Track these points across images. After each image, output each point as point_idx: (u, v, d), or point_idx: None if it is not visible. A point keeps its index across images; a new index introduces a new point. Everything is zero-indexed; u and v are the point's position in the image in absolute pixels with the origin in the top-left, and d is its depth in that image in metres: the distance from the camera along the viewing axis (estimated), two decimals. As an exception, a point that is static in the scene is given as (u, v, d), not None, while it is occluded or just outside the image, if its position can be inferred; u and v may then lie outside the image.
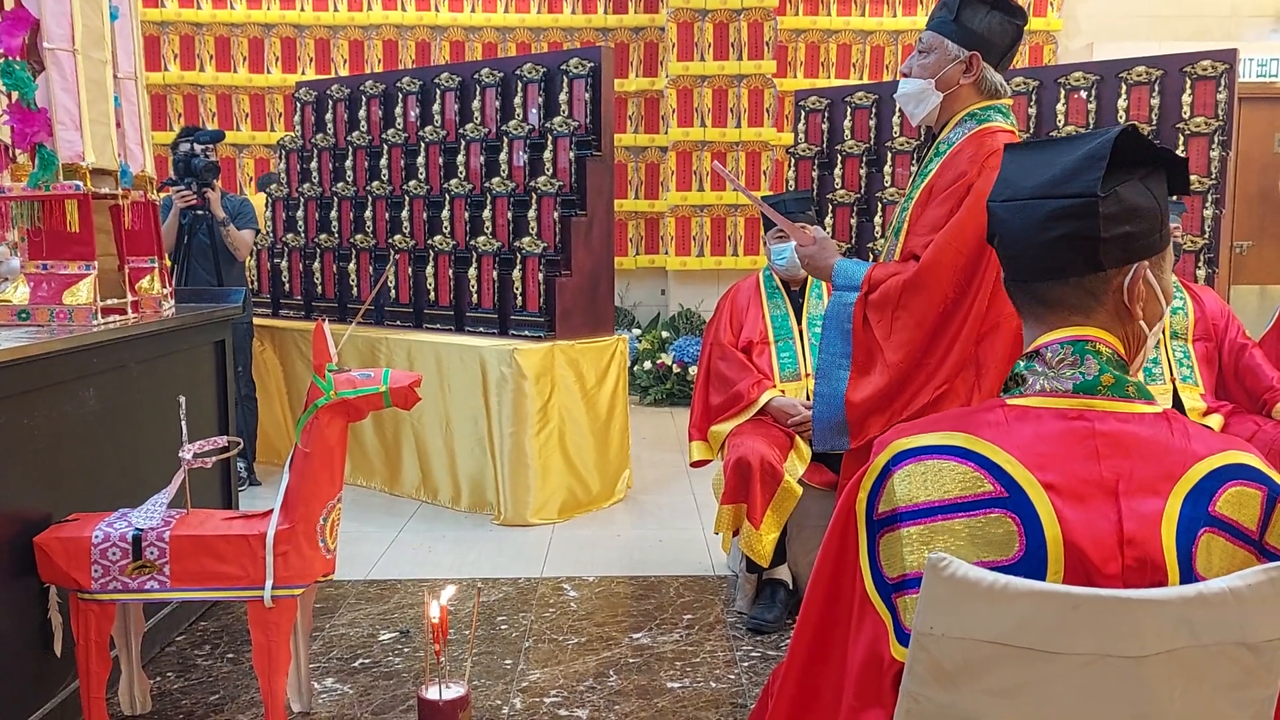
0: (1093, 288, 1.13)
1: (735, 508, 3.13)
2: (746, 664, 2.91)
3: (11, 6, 2.57)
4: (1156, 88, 4.09)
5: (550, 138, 4.51)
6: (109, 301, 2.82)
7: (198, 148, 4.70)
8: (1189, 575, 1.04)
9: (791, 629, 3.11)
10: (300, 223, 5.38)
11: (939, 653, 1.04)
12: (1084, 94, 4.23)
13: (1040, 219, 1.11)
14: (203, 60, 7.69)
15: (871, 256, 4.70)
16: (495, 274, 4.51)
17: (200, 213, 4.67)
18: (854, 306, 2.17)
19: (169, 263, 4.66)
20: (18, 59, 2.59)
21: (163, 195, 4.63)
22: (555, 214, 4.41)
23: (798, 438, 3.25)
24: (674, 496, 4.68)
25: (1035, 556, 1.04)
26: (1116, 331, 1.15)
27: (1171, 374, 3.30)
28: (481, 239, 4.56)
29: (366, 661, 2.91)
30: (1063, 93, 4.28)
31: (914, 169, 2.28)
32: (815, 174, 5.03)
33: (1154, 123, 4.07)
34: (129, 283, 3.00)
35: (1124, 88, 4.15)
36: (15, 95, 2.61)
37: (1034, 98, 4.38)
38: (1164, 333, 3.34)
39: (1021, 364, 1.17)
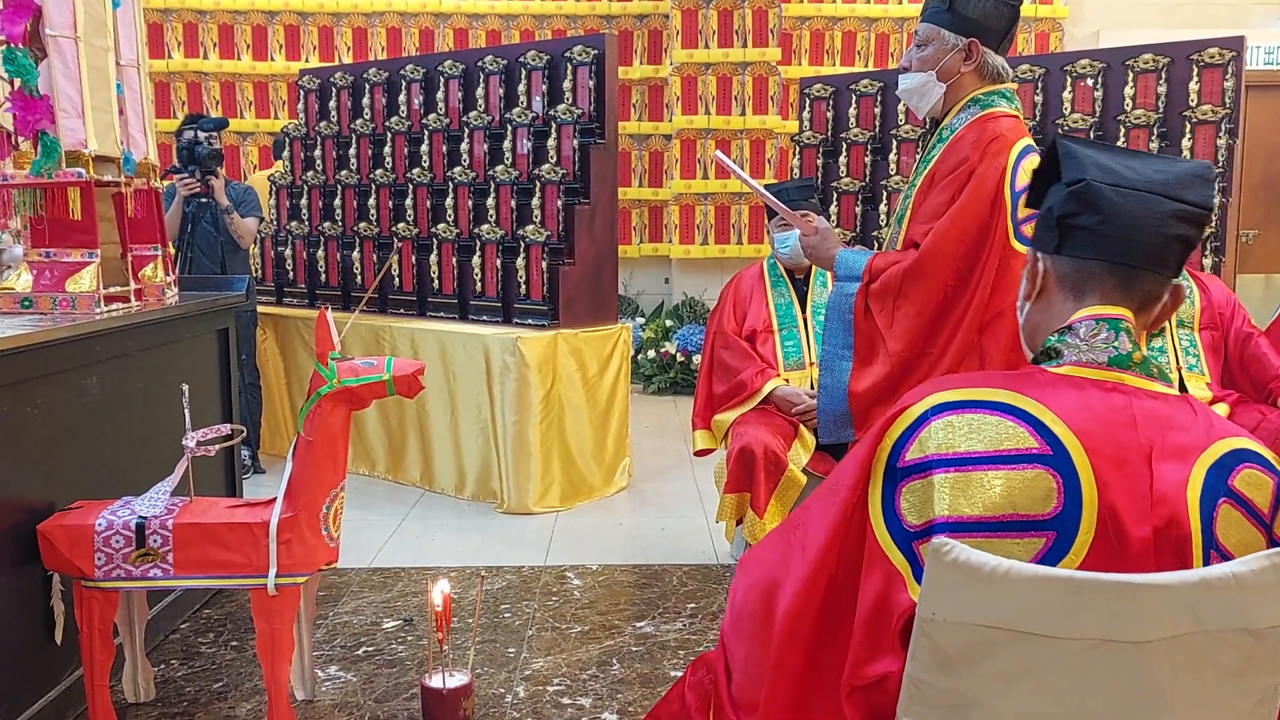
0: (1165, 286, 1.21)
1: (738, 497, 3.13)
2: (749, 652, 2.91)
3: (13, -7, 2.56)
4: (1163, 75, 4.06)
5: (554, 125, 4.49)
6: (112, 289, 2.81)
7: (201, 135, 4.69)
8: (1210, 540, 1.07)
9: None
10: (304, 210, 5.37)
11: (941, 638, 1.04)
12: (1090, 81, 4.21)
13: (1165, 214, 1.16)
14: (206, 47, 7.67)
15: (876, 245, 4.68)
16: (499, 262, 4.50)
17: (204, 200, 4.67)
18: (855, 296, 2.17)
19: (172, 250, 4.67)
20: (20, 46, 2.58)
21: (166, 183, 4.63)
22: (559, 202, 4.40)
23: (802, 427, 3.25)
24: (677, 485, 4.68)
25: (1071, 516, 1.07)
26: (1140, 321, 1.22)
27: (1177, 362, 3.29)
28: (485, 227, 4.55)
29: (370, 649, 2.91)
30: (1069, 80, 4.26)
31: (918, 156, 2.27)
32: (820, 162, 5.01)
33: (1160, 110, 4.05)
34: (132, 271, 3.00)
35: (1131, 75, 4.12)
36: (18, 82, 2.60)
37: (1040, 85, 4.35)
38: (1170, 321, 3.32)
39: (1054, 338, 1.22)
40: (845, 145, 4.91)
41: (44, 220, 2.71)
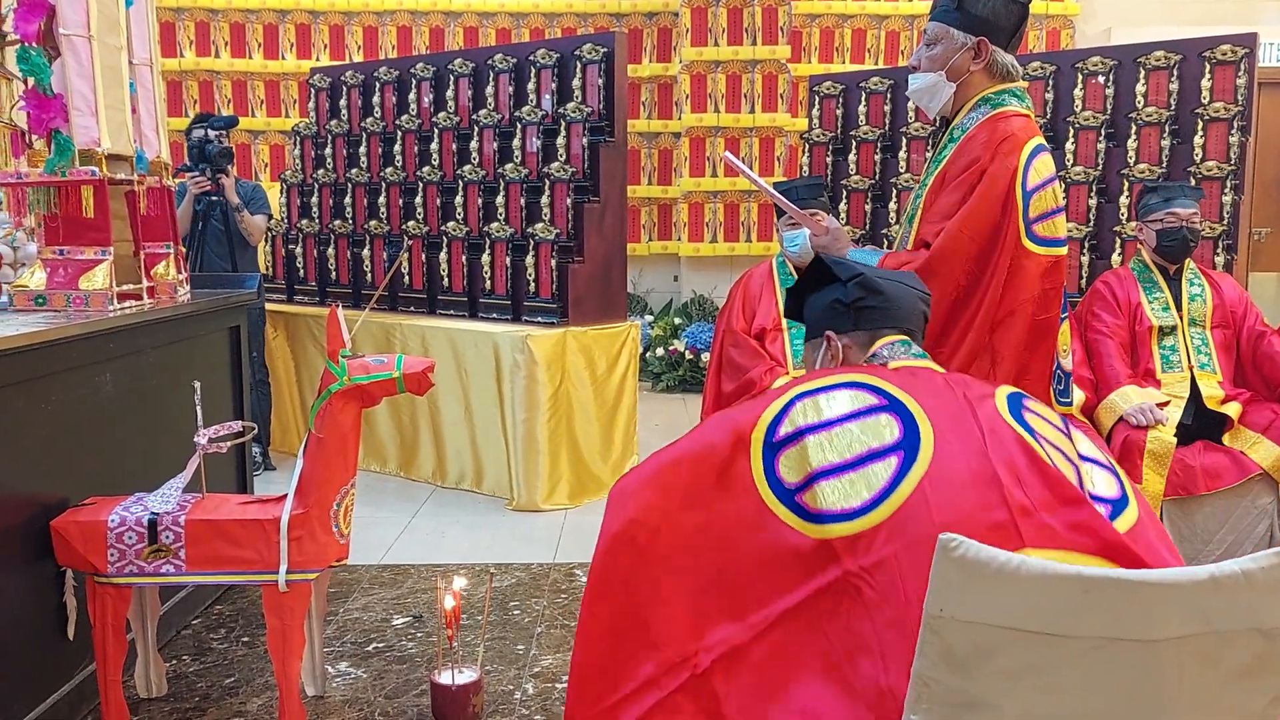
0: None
1: (748, 494, 3.12)
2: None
3: (27, -8, 2.57)
4: (1175, 73, 4.04)
5: (563, 124, 4.50)
6: (125, 287, 2.83)
7: (212, 133, 4.71)
8: (1029, 430, 1.39)
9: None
10: (315, 209, 5.39)
11: (949, 636, 1.04)
12: (1102, 79, 4.19)
13: (915, 297, 1.75)
14: (218, 46, 7.70)
15: (886, 243, 4.68)
16: (508, 260, 4.51)
17: (214, 198, 4.69)
18: None
19: (183, 248, 4.69)
20: (34, 45, 2.59)
21: (178, 181, 4.65)
22: (568, 200, 4.41)
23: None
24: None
25: (911, 438, 1.37)
26: None
27: (1189, 361, 3.28)
28: (495, 225, 4.56)
29: (380, 646, 2.92)
30: (1080, 78, 4.24)
31: (929, 155, 2.27)
32: (829, 160, 5.00)
33: (1172, 108, 4.03)
34: (145, 268, 3.01)
35: (1142, 73, 4.11)
36: (31, 81, 2.61)
37: (1051, 83, 4.34)
38: (1182, 320, 3.31)
39: (871, 357, 1.68)
40: (855, 143, 4.90)
41: (58, 218, 2.73)
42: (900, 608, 1.22)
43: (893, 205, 4.72)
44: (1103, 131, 4.11)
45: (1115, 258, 3.96)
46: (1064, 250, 2.16)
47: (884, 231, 4.72)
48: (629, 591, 1.43)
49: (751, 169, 2.53)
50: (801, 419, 1.42)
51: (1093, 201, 4.08)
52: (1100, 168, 4.10)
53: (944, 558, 1.02)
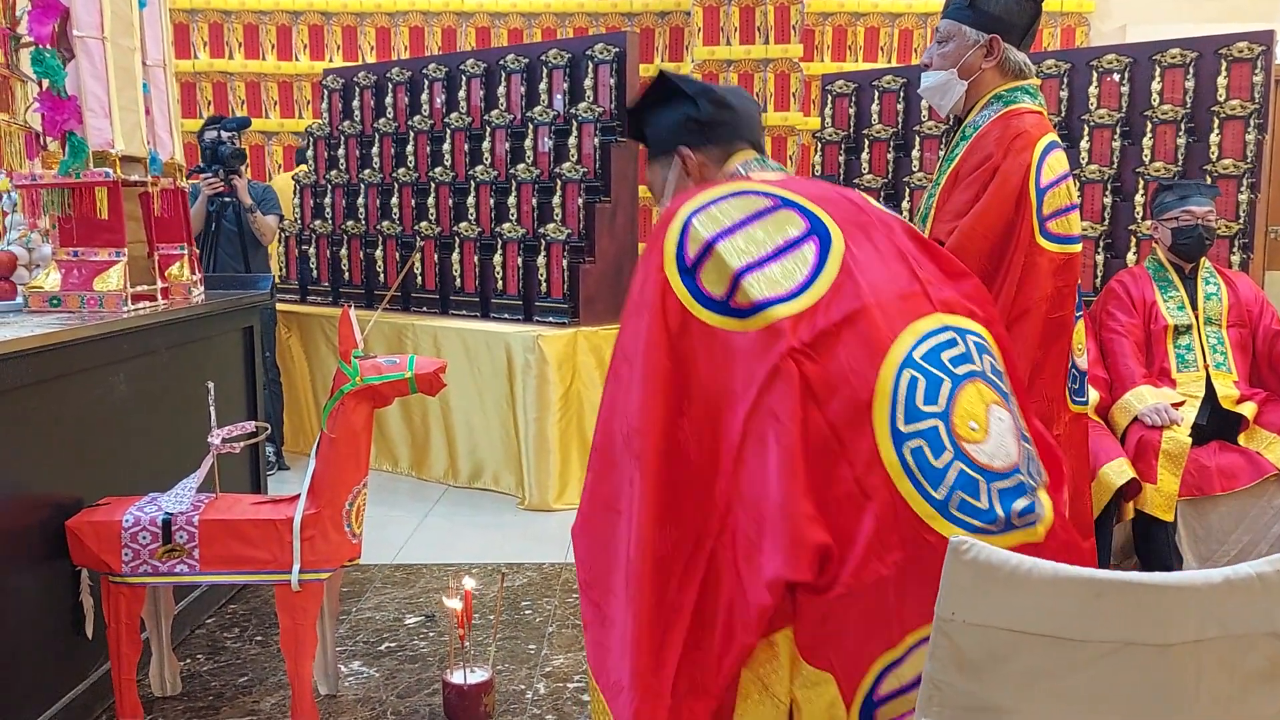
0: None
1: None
2: (770, 650, 2.91)
3: (42, -6, 2.59)
4: (1191, 70, 4.01)
5: (575, 124, 4.50)
6: (139, 288, 2.84)
7: (224, 135, 4.73)
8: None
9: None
10: (328, 209, 5.40)
11: (961, 640, 1.03)
12: (1116, 77, 4.17)
13: (756, 109, 1.80)
14: (231, 48, 7.73)
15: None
16: (520, 260, 4.52)
17: (227, 199, 4.71)
18: None
19: (197, 249, 4.72)
20: (48, 47, 2.61)
21: (191, 183, 4.67)
22: (580, 200, 4.41)
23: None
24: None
25: (818, 225, 1.46)
26: None
27: (1205, 361, 3.25)
28: (506, 225, 4.56)
29: (392, 645, 2.93)
30: (1095, 75, 4.22)
31: (941, 153, 2.26)
32: (842, 159, 4.99)
33: (1188, 106, 4.00)
34: (159, 269, 3.03)
35: (1158, 70, 4.08)
36: (46, 83, 2.63)
37: (1065, 81, 4.31)
38: (1198, 319, 3.28)
39: (731, 174, 1.70)
40: (868, 142, 4.89)
41: (72, 220, 2.75)
42: (849, 395, 1.34)
43: (905, 204, 4.71)
44: (1118, 129, 4.09)
45: (1130, 256, 3.94)
46: (1078, 247, 2.14)
47: (897, 230, 4.70)
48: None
49: None
50: (705, 231, 1.45)
51: (1108, 200, 4.06)
52: (1115, 166, 4.08)
53: (955, 560, 1.01)
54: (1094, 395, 3.21)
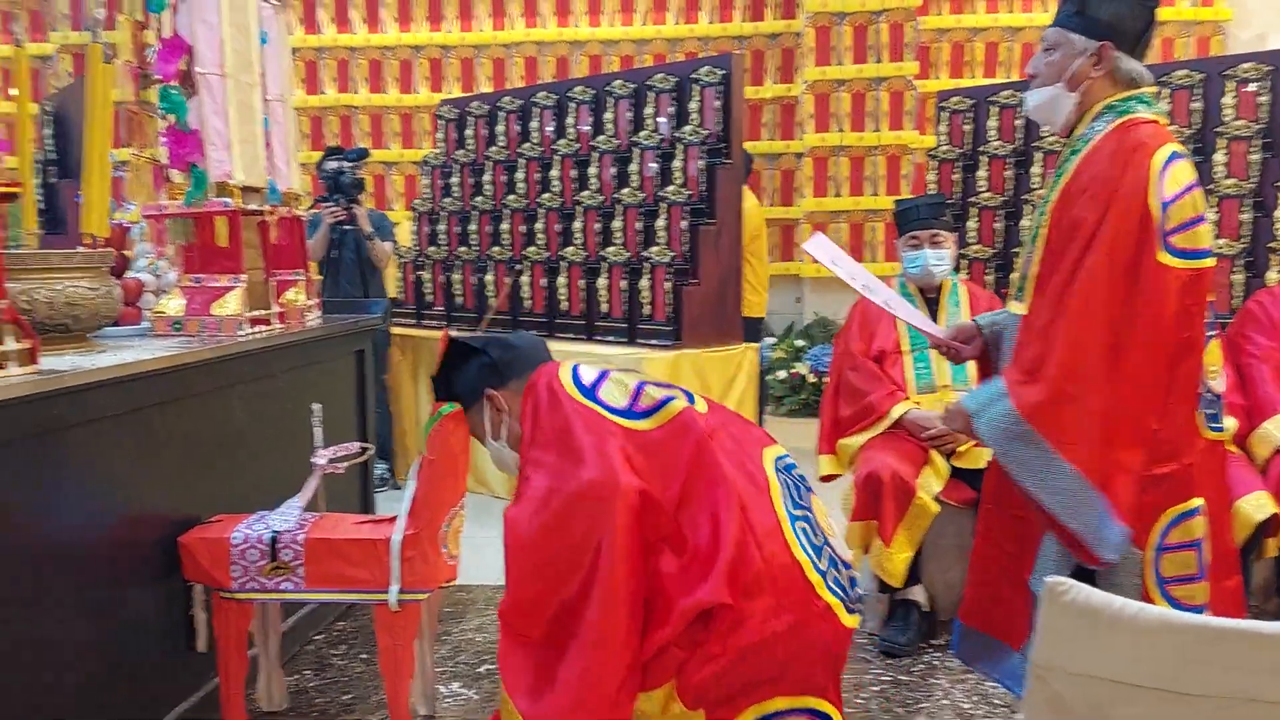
0: None
1: (865, 524, 3.02)
2: (876, 688, 2.80)
3: (168, 35, 2.72)
4: (1338, 76, 3.74)
5: (680, 147, 4.49)
6: (255, 312, 2.94)
7: (345, 165, 4.90)
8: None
9: (927, 653, 2.98)
10: (442, 236, 5.54)
11: (1059, 687, 0.95)
12: (1254, 86, 3.91)
13: (537, 341, 2.25)
14: (356, 82, 8.04)
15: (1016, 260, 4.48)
16: (624, 283, 4.52)
17: (347, 227, 4.87)
18: (1011, 403, 1.98)
19: (318, 275, 4.89)
20: (173, 84, 2.74)
21: (313, 211, 4.86)
22: (684, 223, 4.39)
23: (934, 453, 3.12)
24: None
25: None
26: None
27: None
28: (611, 249, 4.58)
29: (491, 667, 2.94)
30: (1230, 86, 3.97)
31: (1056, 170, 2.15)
32: (957, 176, 4.84)
33: (1333, 115, 3.73)
34: (275, 294, 3.13)
35: (1301, 77, 3.82)
36: (171, 118, 2.76)
37: (1198, 92, 4.08)
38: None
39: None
40: (985, 159, 4.73)
41: (194, 247, 2.87)
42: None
43: (1025, 222, 4.53)
44: (1255, 141, 3.84)
45: (1271, 275, 3.68)
46: (1209, 262, 1.99)
47: (1015, 250, 4.53)
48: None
49: (844, 258, 2.55)
50: (588, 376, 1.99)
51: (1246, 216, 3.81)
52: (1254, 180, 3.83)
53: (1051, 603, 0.94)
54: (1231, 423, 3.00)
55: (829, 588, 1.83)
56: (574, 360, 2.07)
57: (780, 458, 1.99)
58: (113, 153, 3.00)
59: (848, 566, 1.94)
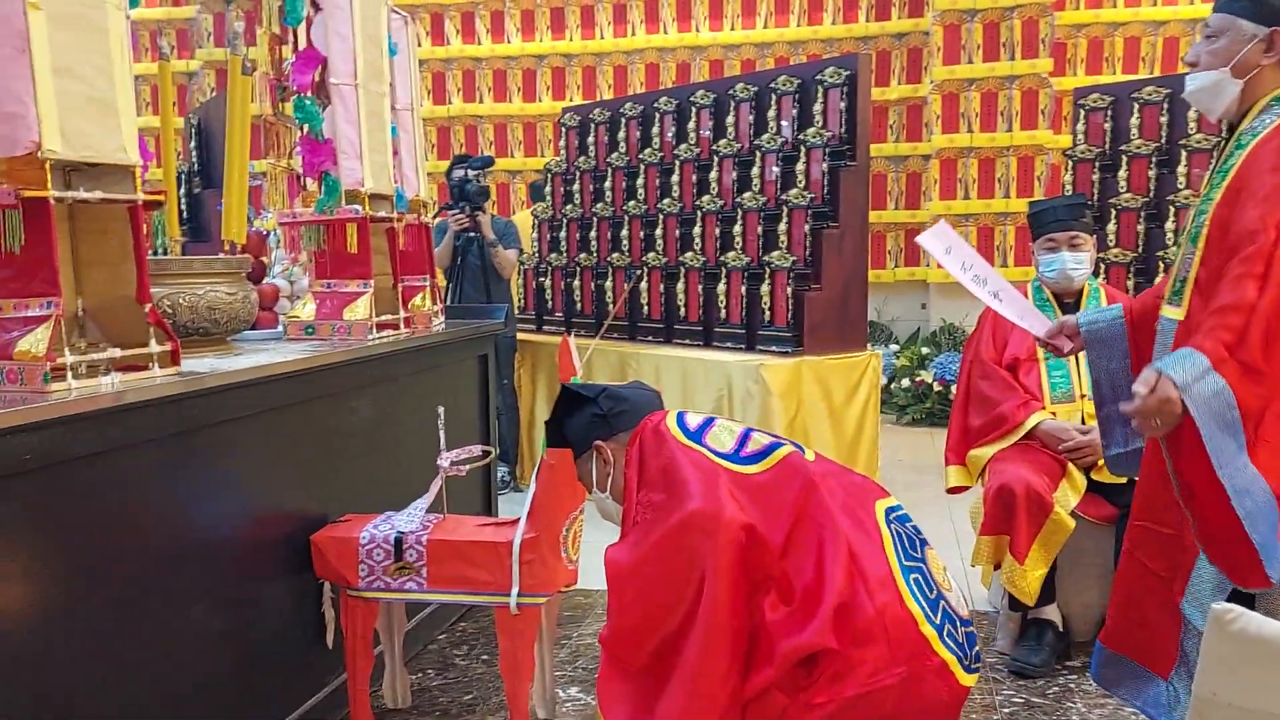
0: None
1: (996, 539, 2.90)
2: (1008, 710, 2.68)
3: (304, 47, 2.82)
4: None
5: (803, 149, 4.42)
6: (384, 317, 3.02)
7: (471, 173, 5.00)
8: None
9: (1061, 675, 2.83)
10: (563, 242, 5.59)
11: (1224, 725, 0.87)
12: None
13: (651, 393, 2.26)
14: (481, 92, 8.23)
15: (1161, 266, 4.24)
16: (743, 289, 4.47)
17: (472, 234, 4.97)
18: (1223, 379, 1.76)
19: (444, 281, 5.00)
20: (308, 95, 2.84)
21: (439, 219, 4.97)
22: (806, 227, 4.31)
23: (1070, 465, 2.96)
24: (930, 523, 4.37)
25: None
26: None
27: None
28: (731, 255, 4.54)
29: (609, 673, 2.92)
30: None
31: (1211, 167, 2.00)
32: (1095, 177, 4.61)
33: None
34: (402, 300, 3.21)
35: None
36: (306, 127, 2.86)
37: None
38: None
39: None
40: (1125, 158, 4.49)
41: (326, 254, 2.96)
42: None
43: (1169, 224, 4.28)
44: None
45: None
46: None
47: (1159, 253, 4.28)
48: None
49: (972, 256, 2.43)
50: (694, 421, 2.03)
51: None
52: None
53: (1217, 631, 0.86)
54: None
55: (944, 643, 1.77)
56: (679, 409, 2.11)
57: (892, 509, 1.96)
58: (251, 163, 3.13)
59: (965, 623, 1.87)
